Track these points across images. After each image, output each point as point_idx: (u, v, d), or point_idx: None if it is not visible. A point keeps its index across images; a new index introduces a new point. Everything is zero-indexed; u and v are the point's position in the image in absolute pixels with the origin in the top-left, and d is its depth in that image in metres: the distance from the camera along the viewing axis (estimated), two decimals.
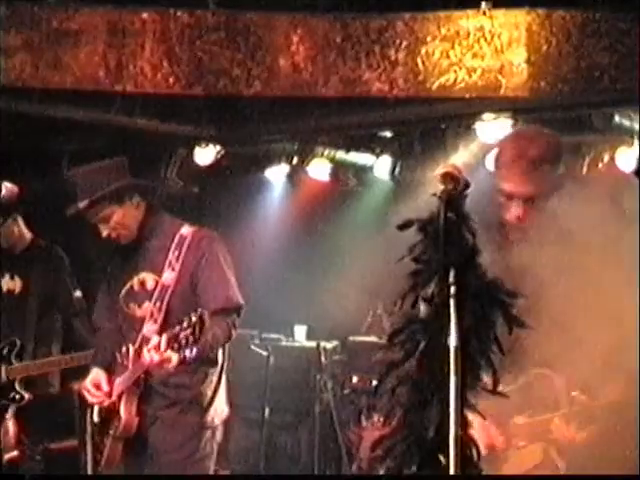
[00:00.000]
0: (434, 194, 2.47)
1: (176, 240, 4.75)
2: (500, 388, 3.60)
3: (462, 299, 2.32)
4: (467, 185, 2.56)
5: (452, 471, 2.16)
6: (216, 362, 4.83)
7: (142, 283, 4.80)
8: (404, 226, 2.54)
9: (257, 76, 5.74)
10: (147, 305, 4.74)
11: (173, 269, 4.71)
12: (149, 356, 4.41)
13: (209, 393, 4.79)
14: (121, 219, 4.77)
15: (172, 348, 4.31)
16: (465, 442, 2.31)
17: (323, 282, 8.49)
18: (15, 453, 5.79)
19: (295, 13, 5.77)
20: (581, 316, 3.33)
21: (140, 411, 4.69)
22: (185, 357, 4.36)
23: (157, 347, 4.36)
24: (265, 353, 7.74)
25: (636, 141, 7.09)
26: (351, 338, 8.14)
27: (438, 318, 2.39)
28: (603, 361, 3.31)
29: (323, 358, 7.62)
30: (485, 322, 2.40)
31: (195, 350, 4.30)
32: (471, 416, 3.66)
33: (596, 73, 5.44)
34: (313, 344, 7.83)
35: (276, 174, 8.59)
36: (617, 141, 7.14)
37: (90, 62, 5.83)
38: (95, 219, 4.79)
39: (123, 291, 4.85)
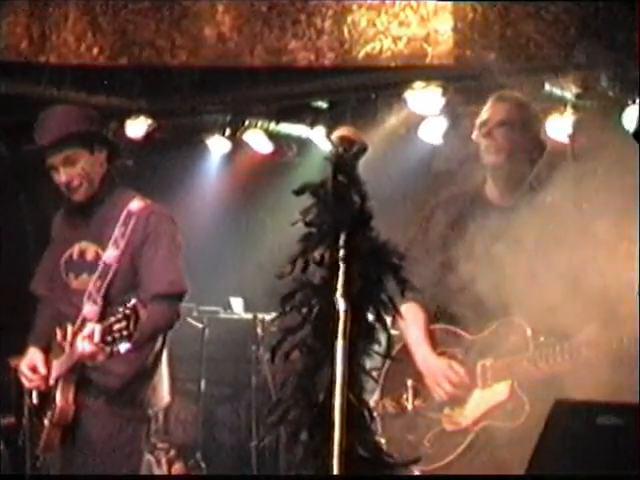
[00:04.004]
0: (325, 157, 2.45)
1: (123, 215, 4.46)
2: (467, 337, 4.01)
3: (352, 262, 2.31)
4: (363, 149, 2.55)
5: (337, 435, 2.15)
6: (154, 350, 4.54)
7: (82, 253, 4.54)
8: (300, 191, 2.53)
9: (182, 46, 5.70)
10: (84, 277, 4.50)
11: (117, 247, 4.43)
12: (81, 345, 4.21)
13: (142, 383, 4.53)
14: (88, 167, 4.44)
15: (105, 341, 4.09)
16: (356, 406, 2.30)
17: (261, 253, 8.49)
18: None
19: None
20: (543, 269, 3.74)
21: (77, 399, 4.43)
22: (118, 352, 4.13)
23: (91, 337, 4.15)
24: (201, 326, 7.69)
25: (569, 109, 7.10)
26: None
27: (330, 282, 2.38)
28: (575, 308, 3.62)
29: (260, 330, 7.58)
30: (377, 285, 2.40)
31: (128, 345, 4.08)
32: (437, 360, 3.99)
33: (522, 41, 5.46)
34: (250, 316, 7.80)
35: (212, 146, 8.50)
36: (548, 109, 7.14)
37: (12, 33, 5.75)
38: (58, 160, 4.41)
39: (64, 257, 4.59)
